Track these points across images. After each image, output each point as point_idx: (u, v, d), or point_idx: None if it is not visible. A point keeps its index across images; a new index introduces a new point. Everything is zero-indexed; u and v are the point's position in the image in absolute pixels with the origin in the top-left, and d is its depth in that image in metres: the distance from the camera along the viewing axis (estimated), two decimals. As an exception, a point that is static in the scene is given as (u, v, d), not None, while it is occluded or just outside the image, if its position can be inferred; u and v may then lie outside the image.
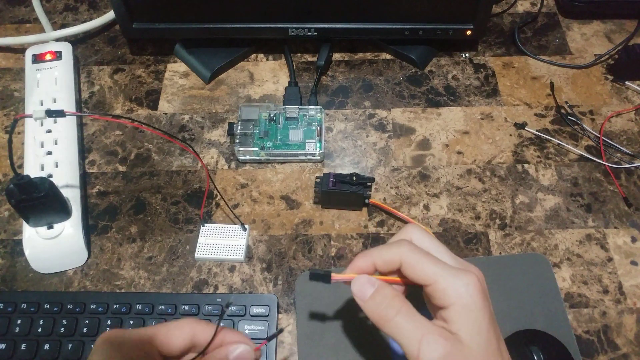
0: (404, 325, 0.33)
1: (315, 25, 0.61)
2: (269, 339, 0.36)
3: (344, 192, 0.52)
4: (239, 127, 0.58)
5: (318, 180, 0.53)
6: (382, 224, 0.54)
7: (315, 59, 0.66)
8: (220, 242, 0.52)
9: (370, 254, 0.36)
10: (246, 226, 0.53)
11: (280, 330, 0.42)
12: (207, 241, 0.52)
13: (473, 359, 0.32)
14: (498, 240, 0.53)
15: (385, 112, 0.62)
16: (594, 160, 0.58)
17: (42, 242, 0.51)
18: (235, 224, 0.54)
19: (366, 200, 0.53)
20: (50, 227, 0.51)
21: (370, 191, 0.53)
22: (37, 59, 0.62)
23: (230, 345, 0.34)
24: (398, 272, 0.36)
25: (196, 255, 0.52)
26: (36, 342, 0.46)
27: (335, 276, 0.36)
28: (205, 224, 0.53)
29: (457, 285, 0.33)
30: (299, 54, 0.68)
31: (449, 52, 0.67)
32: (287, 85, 0.64)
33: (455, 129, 0.61)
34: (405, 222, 0.54)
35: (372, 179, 0.52)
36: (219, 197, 0.56)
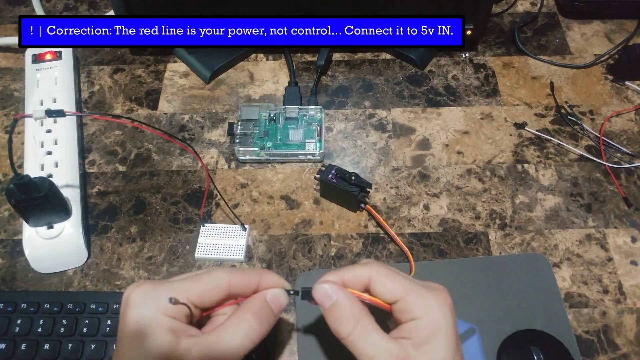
0: (356, 344, 0.33)
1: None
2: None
3: (339, 188, 0.52)
4: (239, 127, 0.58)
5: (323, 168, 0.53)
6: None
7: (315, 59, 0.66)
8: (220, 242, 0.52)
9: (339, 271, 0.36)
10: (246, 226, 0.53)
11: (296, 292, 0.38)
12: (207, 241, 0.52)
13: None
14: (498, 240, 0.53)
15: (385, 112, 0.62)
16: (594, 160, 0.58)
17: (42, 242, 0.51)
18: (235, 224, 0.54)
19: (362, 205, 0.53)
20: (50, 227, 0.51)
21: (368, 197, 0.53)
22: (37, 58, 0.62)
23: (265, 290, 0.36)
24: (366, 291, 0.36)
25: (196, 255, 0.52)
26: (36, 342, 0.46)
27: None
28: (205, 224, 0.53)
29: (427, 298, 0.34)
30: (299, 54, 0.68)
31: (449, 52, 0.67)
32: (287, 85, 0.64)
33: (455, 129, 0.61)
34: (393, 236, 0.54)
35: (370, 185, 0.52)
36: (219, 197, 0.56)
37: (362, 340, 0.33)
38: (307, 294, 0.37)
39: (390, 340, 0.33)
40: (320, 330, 0.47)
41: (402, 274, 0.36)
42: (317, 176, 0.53)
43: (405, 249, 0.51)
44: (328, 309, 0.35)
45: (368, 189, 0.52)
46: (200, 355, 0.31)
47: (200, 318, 0.35)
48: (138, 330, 0.32)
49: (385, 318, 0.37)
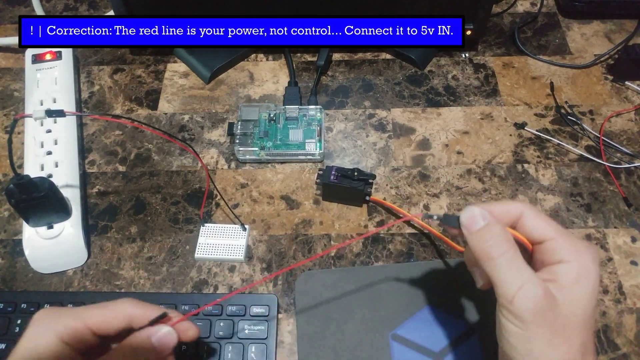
0: (505, 268, 0.32)
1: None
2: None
3: (344, 186, 0.52)
4: (239, 127, 0.58)
5: (321, 172, 0.53)
6: (382, 223, 0.54)
7: (315, 59, 0.66)
8: (220, 242, 0.52)
9: (488, 203, 0.35)
10: (246, 226, 0.53)
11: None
12: (207, 241, 0.52)
13: (570, 322, 0.31)
14: (498, 240, 0.53)
15: (385, 112, 0.62)
16: (594, 160, 0.58)
17: (42, 242, 0.51)
18: (235, 224, 0.54)
19: (367, 197, 0.53)
20: (50, 227, 0.51)
21: (371, 189, 0.53)
22: (37, 59, 0.62)
23: (152, 328, 0.35)
24: (513, 227, 0.35)
25: (196, 255, 0.52)
26: (36, 342, 0.46)
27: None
28: (205, 224, 0.53)
29: (579, 244, 0.33)
30: (299, 54, 0.68)
31: (449, 52, 0.67)
32: (287, 85, 0.64)
33: (455, 129, 0.61)
34: (404, 218, 0.54)
35: (373, 176, 0.52)
36: (218, 197, 0.56)
37: (512, 266, 0.32)
38: (451, 220, 0.35)
39: (538, 277, 0.32)
40: (320, 330, 0.47)
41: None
42: (318, 181, 0.53)
43: (426, 226, 0.52)
44: (478, 231, 0.33)
45: (371, 180, 0.52)
46: None
47: (99, 347, 0.35)
48: (31, 348, 0.32)
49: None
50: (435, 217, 0.37)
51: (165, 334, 0.35)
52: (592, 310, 0.31)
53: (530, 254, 0.35)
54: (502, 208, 0.35)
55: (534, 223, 0.34)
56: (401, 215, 0.53)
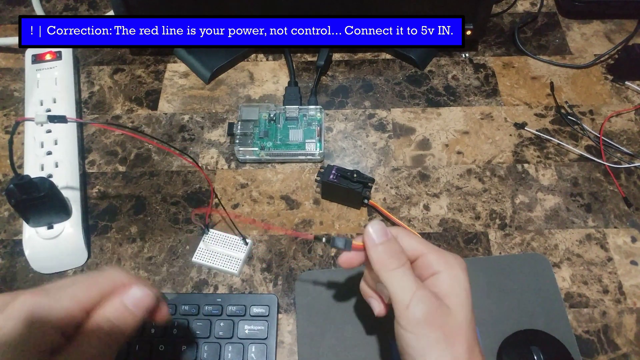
0: (401, 277, 0.35)
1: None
2: None
3: (343, 187, 0.52)
4: (239, 127, 0.58)
5: (322, 170, 0.53)
6: (382, 224, 0.54)
7: (315, 59, 0.66)
8: (220, 250, 0.52)
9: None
10: (248, 240, 0.52)
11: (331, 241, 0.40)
12: (208, 247, 0.52)
13: (456, 325, 0.33)
14: (498, 240, 0.53)
15: (385, 112, 0.62)
16: (594, 160, 0.58)
17: (42, 242, 0.51)
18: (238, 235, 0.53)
19: (365, 201, 0.53)
20: (50, 227, 0.51)
21: (370, 192, 0.53)
22: (37, 59, 0.62)
23: (122, 292, 0.31)
24: None
25: (193, 259, 0.52)
26: (36, 342, 0.46)
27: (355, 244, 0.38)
28: (210, 230, 0.53)
29: (447, 256, 0.36)
30: (299, 54, 0.68)
31: (449, 52, 0.67)
32: (287, 85, 0.64)
33: (455, 129, 0.61)
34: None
35: (372, 180, 0.52)
36: (221, 201, 0.56)
37: (408, 276, 0.35)
38: (339, 241, 0.38)
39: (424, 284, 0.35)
40: (320, 330, 0.47)
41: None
42: (318, 178, 0.53)
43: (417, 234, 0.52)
44: (382, 243, 0.36)
45: (370, 184, 0.52)
46: None
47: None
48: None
49: None
50: (324, 240, 0.39)
51: (138, 295, 0.32)
52: (471, 315, 0.34)
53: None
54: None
55: (408, 242, 0.37)
56: (397, 224, 0.54)
